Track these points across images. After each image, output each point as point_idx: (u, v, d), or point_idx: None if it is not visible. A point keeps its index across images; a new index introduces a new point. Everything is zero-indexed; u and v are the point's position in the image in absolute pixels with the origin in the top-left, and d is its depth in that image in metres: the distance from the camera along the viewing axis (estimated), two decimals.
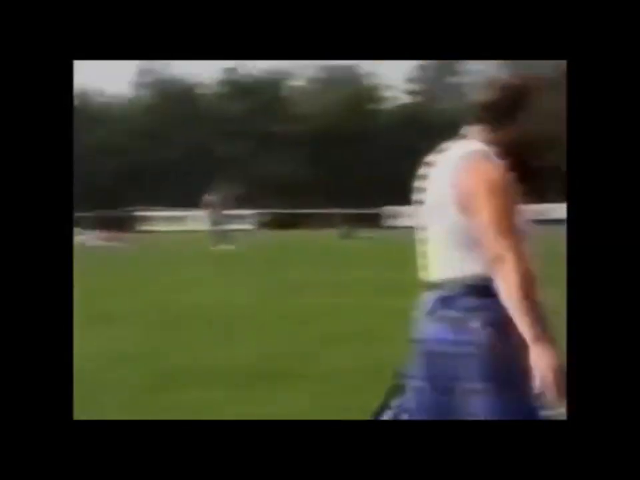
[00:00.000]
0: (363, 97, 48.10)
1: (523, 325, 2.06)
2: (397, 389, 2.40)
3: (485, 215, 2.09)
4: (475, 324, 2.09)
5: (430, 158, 2.37)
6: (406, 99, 52.70)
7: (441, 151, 2.35)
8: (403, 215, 34.05)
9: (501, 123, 2.28)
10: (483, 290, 2.12)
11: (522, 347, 2.07)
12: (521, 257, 2.06)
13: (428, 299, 2.21)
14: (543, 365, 2.05)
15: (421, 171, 2.40)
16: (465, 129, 2.36)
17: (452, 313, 2.14)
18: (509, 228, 2.07)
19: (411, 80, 54.54)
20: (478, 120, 2.31)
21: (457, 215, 2.17)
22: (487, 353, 2.12)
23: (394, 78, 56.07)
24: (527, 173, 2.27)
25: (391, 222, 37.76)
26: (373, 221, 38.00)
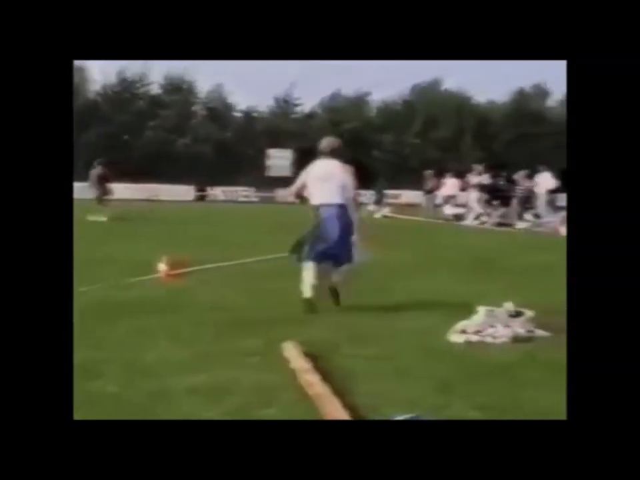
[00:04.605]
0: None
1: (353, 212, 6.67)
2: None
3: (350, 185, 6.63)
4: (348, 212, 6.64)
5: (312, 164, 6.83)
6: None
7: (318, 161, 6.81)
8: None
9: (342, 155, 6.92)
10: (344, 206, 6.59)
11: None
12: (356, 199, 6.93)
13: (329, 208, 6.54)
14: (356, 222, 6.72)
15: (310, 167, 6.81)
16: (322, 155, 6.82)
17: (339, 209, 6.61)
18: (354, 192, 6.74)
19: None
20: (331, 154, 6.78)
21: (343, 181, 6.62)
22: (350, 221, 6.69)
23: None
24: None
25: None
26: None
